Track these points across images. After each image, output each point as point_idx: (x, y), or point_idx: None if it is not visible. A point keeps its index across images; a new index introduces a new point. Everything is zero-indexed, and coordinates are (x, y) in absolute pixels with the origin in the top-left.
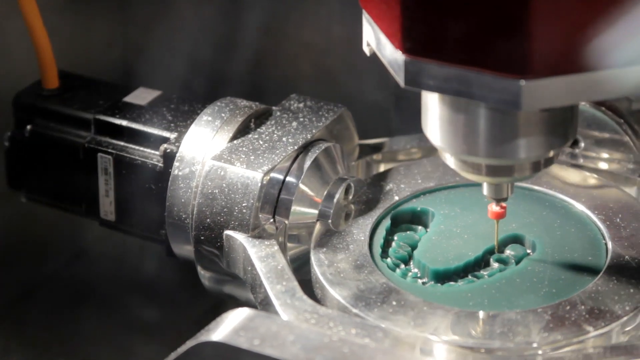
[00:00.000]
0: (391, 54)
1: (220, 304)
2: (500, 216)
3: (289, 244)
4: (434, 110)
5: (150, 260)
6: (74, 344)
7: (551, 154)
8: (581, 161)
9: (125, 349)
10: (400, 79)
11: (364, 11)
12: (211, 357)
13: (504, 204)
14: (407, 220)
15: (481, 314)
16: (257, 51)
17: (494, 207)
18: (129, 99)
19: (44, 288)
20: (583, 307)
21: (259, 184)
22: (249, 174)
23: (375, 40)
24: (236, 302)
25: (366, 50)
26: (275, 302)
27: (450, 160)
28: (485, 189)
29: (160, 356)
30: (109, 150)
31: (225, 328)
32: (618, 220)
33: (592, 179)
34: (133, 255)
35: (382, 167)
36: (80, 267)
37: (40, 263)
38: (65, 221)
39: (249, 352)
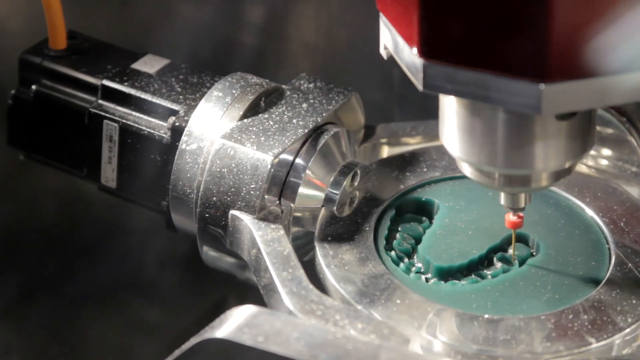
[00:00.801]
0: (409, 58)
1: (221, 304)
2: (517, 226)
3: (292, 228)
4: (451, 120)
5: (150, 260)
6: (74, 344)
7: (569, 163)
8: (585, 161)
9: (125, 349)
10: (418, 83)
11: (381, 14)
12: (215, 353)
13: (521, 214)
14: (411, 210)
15: (484, 318)
16: (257, 51)
17: (511, 217)
18: (137, 65)
19: (44, 288)
20: (586, 316)
21: (269, 167)
22: (259, 156)
23: (393, 43)
24: (238, 300)
25: (383, 53)
26: (281, 290)
27: (467, 170)
28: (502, 199)
29: (160, 356)
30: (116, 117)
31: (230, 325)
32: (622, 224)
33: (596, 179)
34: (133, 255)
35: (387, 150)
36: (80, 267)
37: (40, 263)
38: (65, 221)
39: (253, 348)
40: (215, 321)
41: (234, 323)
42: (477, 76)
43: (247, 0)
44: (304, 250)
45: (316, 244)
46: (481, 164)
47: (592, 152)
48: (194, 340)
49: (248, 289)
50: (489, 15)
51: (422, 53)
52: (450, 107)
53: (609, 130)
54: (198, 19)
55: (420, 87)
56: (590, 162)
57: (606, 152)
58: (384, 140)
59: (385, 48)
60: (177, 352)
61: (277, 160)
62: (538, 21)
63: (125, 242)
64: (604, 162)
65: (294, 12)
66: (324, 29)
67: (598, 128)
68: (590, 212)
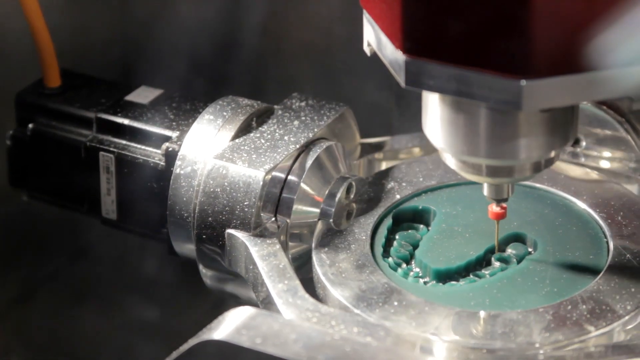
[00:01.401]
0: (392, 54)
1: (221, 304)
2: (500, 217)
3: (290, 243)
4: (434, 110)
5: (150, 260)
6: (74, 344)
7: (552, 154)
8: (582, 160)
9: (125, 349)
10: (401, 79)
11: (364, 11)
12: (213, 355)
13: (504, 205)
14: (408, 219)
15: (482, 313)
16: (258, 51)
17: (494, 208)
18: (130, 97)
19: (44, 288)
20: (584, 306)
21: (261, 183)
22: (250, 173)
23: (376, 40)
24: (237, 301)
25: (367, 50)
26: (277, 301)
27: (450, 161)
28: (485, 190)
29: (160, 356)
30: (111, 148)
31: (228, 326)
32: (619, 218)
33: (593, 177)
34: (133, 255)
35: (384, 166)
36: (81, 267)
37: (40, 263)
38: (65, 221)
39: (251, 350)
40: (213, 322)
41: (231, 324)
42: (459, 72)
43: (247, 0)
44: (304, 269)
45: (313, 254)
46: (464, 155)
47: (591, 152)
48: (191, 342)
49: None
50: (470, 11)
51: (405, 50)
52: (432, 99)
53: (607, 129)
54: (198, 19)
55: (402, 83)
56: (589, 162)
57: (604, 151)
58: (379, 156)
59: (369, 45)
60: (175, 354)
61: (269, 176)
62: (520, 18)
63: (125, 242)
64: (602, 161)
65: (294, 12)
66: (324, 29)
67: (597, 128)
68: (587, 208)
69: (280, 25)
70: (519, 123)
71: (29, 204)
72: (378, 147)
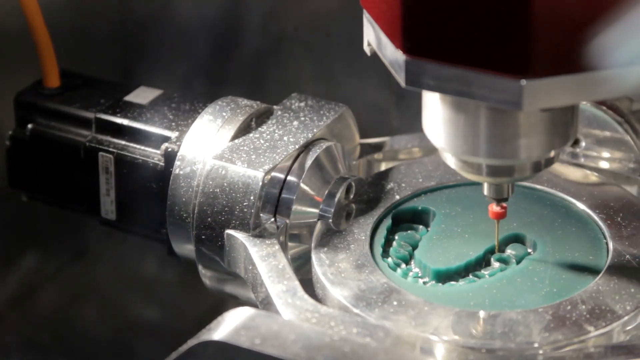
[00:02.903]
0: (392, 54)
1: (221, 304)
2: (500, 216)
3: (290, 244)
4: (434, 110)
5: (150, 260)
6: (74, 344)
7: (552, 154)
8: (582, 160)
9: (125, 349)
10: (401, 79)
11: (364, 11)
12: (212, 356)
13: (504, 204)
14: (408, 219)
15: (482, 313)
16: (258, 51)
17: (494, 207)
18: (130, 97)
19: (44, 288)
20: (584, 306)
21: (260, 183)
22: (250, 173)
23: (376, 40)
24: (237, 302)
25: (367, 50)
26: (277, 302)
27: (450, 161)
28: (485, 189)
29: (160, 356)
30: (110, 149)
31: (227, 327)
32: (619, 219)
33: (592, 178)
34: (133, 255)
35: (384, 166)
36: (81, 267)
37: (40, 263)
38: (66, 221)
39: (250, 351)
40: (212, 323)
41: (231, 325)
42: (459, 72)
43: (247, 0)
44: (303, 270)
45: (312, 254)
46: (464, 155)
47: (591, 152)
48: (191, 343)
49: None
50: (470, 11)
51: (405, 49)
52: (432, 99)
53: (606, 130)
54: (198, 19)
55: (402, 83)
56: (589, 162)
57: (603, 151)
58: (379, 157)
59: (369, 44)
60: (174, 355)
61: (268, 176)
62: (519, 17)
63: (125, 241)
64: (602, 161)
65: (293, 11)
66: (324, 29)
67: (596, 129)
68: (586, 209)
69: (280, 25)
70: (519, 122)
71: (29, 203)
72: (377, 147)
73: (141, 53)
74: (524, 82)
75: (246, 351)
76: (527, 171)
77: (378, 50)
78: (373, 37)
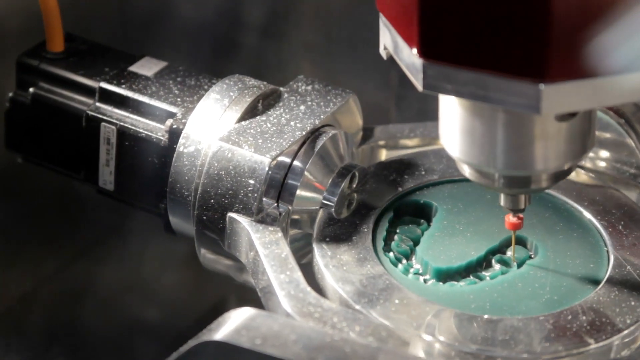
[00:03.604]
0: (409, 58)
1: (221, 304)
2: (517, 227)
3: (290, 230)
4: (451, 120)
5: (151, 261)
6: (74, 344)
7: (569, 165)
8: (583, 163)
9: (125, 349)
10: (418, 83)
11: (380, 14)
12: (213, 356)
13: (521, 215)
14: (410, 212)
15: (483, 318)
16: (257, 51)
17: (510, 218)
18: (134, 68)
19: (44, 288)
20: (584, 317)
21: (267, 169)
22: (256, 158)
23: (393, 43)
24: (238, 302)
25: (383, 53)
26: (279, 292)
27: (467, 171)
28: (502, 200)
29: (160, 356)
30: (113, 120)
31: (227, 327)
32: (620, 227)
33: (595, 182)
34: (134, 255)
35: (385, 154)
36: (81, 267)
37: (40, 262)
38: (66, 220)
39: (251, 351)
40: (213, 323)
41: (231, 325)
42: (476, 76)
43: (247, 0)
44: (302, 252)
45: (314, 245)
46: (481, 165)
47: (591, 155)
48: (191, 343)
49: (248, 290)
50: (488, 15)
51: (422, 53)
52: (449, 107)
53: (607, 133)
54: (198, 19)
55: (420, 87)
56: (589, 165)
57: (605, 154)
58: (382, 143)
59: (385, 48)
60: (175, 355)
61: (274, 162)
62: (538, 21)
63: (125, 242)
64: (603, 164)
65: (294, 12)
66: (324, 29)
67: (599, 132)
68: (588, 215)
69: (280, 25)
70: (536, 133)
71: (31, 203)
72: (380, 133)
73: (141, 54)
74: (542, 86)
75: (247, 351)
76: (543, 182)
77: (394, 54)
78: (389, 40)
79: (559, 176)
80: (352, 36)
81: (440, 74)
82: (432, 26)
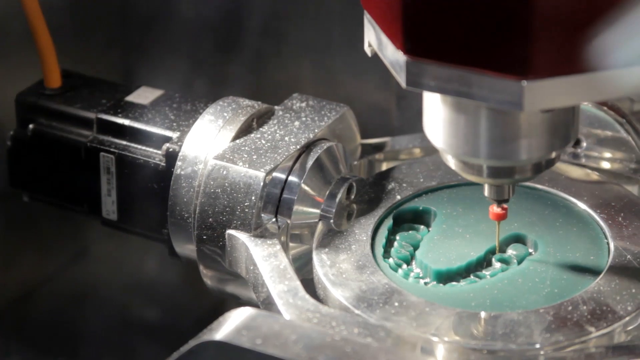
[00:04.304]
0: (392, 55)
1: (221, 305)
2: (501, 217)
3: (291, 244)
4: (434, 111)
5: (151, 261)
6: (74, 344)
7: (552, 155)
8: (583, 161)
9: (126, 349)
10: (401, 80)
11: (365, 12)
12: (214, 356)
13: (505, 205)
14: (409, 219)
15: (483, 314)
16: (257, 51)
17: (495, 209)
18: (131, 98)
19: (44, 288)
20: (585, 307)
21: (261, 183)
22: (251, 174)
23: (377, 40)
24: (238, 301)
25: (368, 50)
26: (278, 302)
27: (451, 162)
28: (486, 190)
29: (160, 357)
30: (111, 149)
31: (228, 327)
32: (620, 219)
33: (594, 177)
34: (134, 255)
35: (384, 166)
36: (81, 267)
37: (40, 263)
38: (66, 221)
39: (252, 351)
40: (213, 323)
41: (232, 325)
42: (460, 73)
43: (247, 0)
44: (305, 270)
45: (313, 254)
46: (465, 156)
47: (592, 152)
48: (192, 343)
49: None
50: (471, 12)
51: (405, 50)
52: (433, 100)
53: (607, 130)
54: (198, 19)
55: (403, 84)
56: (590, 162)
57: (605, 152)
58: (380, 157)
59: (370, 45)
60: (175, 355)
61: (269, 176)
62: (520, 18)
63: (126, 242)
64: (603, 162)
65: (294, 12)
66: (324, 30)
67: (597, 129)
68: (587, 209)
69: (280, 25)
70: (520, 123)
71: (30, 204)
72: (378, 147)
73: (141, 54)
74: (524, 82)
75: (247, 351)
76: (527, 172)
77: (379, 51)
78: (374, 38)
79: (544, 166)
80: (352, 36)
81: (424, 71)
82: (415, 23)
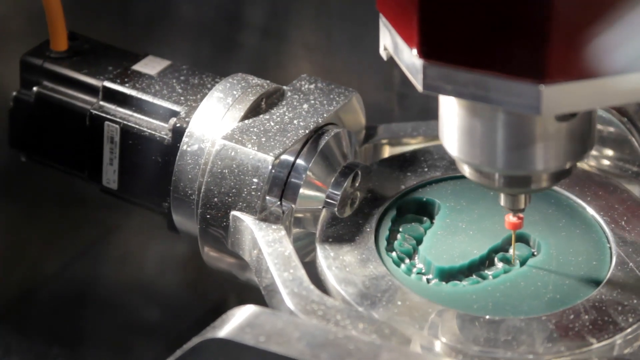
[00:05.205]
0: (409, 58)
1: (222, 305)
2: (517, 227)
3: (293, 229)
4: (450, 119)
5: (151, 260)
6: (74, 344)
7: (569, 164)
8: (586, 160)
9: (125, 349)
10: (418, 84)
11: (380, 15)
12: (217, 353)
13: (521, 215)
14: (412, 210)
15: (485, 319)
16: (257, 51)
17: (510, 218)
18: (138, 67)
19: (44, 288)
20: (587, 317)
21: (270, 167)
22: (260, 157)
23: (393, 44)
24: (239, 301)
25: (383, 54)
26: (282, 290)
27: (466, 171)
28: (502, 200)
29: (160, 357)
30: (117, 119)
31: (231, 325)
32: (623, 223)
33: (597, 178)
34: (134, 255)
35: (388, 151)
36: (81, 267)
37: (40, 263)
38: (66, 220)
39: (255, 348)
40: (216, 321)
41: (235, 323)
42: (476, 77)
43: (247, 0)
44: (305, 251)
45: (317, 245)
46: (481, 165)
47: (594, 152)
48: (195, 340)
49: (249, 290)
50: (488, 15)
51: (422, 54)
52: (449, 107)
53: (610, 130)
54: (198, 19)
55: (420, 88)
56: (592, 162)
57: (607, 152)
58: (385, 141)
59: (385, 49)
60: (179, 352)
61: (277, 160)
62: (538, 22)
63: (125, 242)
64: (605, 162)
65: (294, 12)
66: (324, 29)
67: (599, 128)
68: (591, 211)
69: (280, 25)
70: (537, 133)
71: (30, 204)
72: (383, 132)
73: (145, 52)
74: (542, 87)
75: (251, 349)
76: (543, 182)
77: (394, 54)
78: (389, 41)
79: (559, 176)
80: (353, 36)
81: (440, 75)
82: (432, 26)
